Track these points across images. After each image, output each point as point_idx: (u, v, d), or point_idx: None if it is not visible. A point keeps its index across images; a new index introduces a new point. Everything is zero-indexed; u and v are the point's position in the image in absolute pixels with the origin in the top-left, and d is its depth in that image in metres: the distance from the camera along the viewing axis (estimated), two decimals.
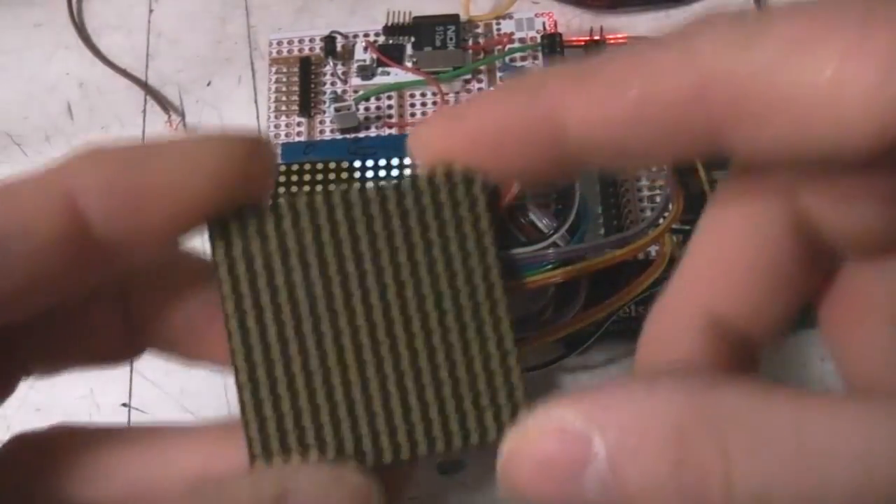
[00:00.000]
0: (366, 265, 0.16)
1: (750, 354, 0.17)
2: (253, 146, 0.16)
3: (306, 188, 0.35)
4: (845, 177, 0.15)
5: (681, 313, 0.17)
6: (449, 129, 0.16)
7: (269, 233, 0.16)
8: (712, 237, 0.17)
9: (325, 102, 0.38)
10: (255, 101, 0.40)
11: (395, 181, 0.17)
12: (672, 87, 0.14)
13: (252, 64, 0.41)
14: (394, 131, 0.37)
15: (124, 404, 0.34)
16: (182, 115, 0.40)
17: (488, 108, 0.16)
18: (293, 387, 0.16)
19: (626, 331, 0.32)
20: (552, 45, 0.38)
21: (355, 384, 0.16)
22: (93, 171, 0.15)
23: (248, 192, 0.16)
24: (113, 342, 0.19)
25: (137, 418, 0.34)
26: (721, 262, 0.17)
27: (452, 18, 0.39)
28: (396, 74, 0.38)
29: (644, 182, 0.34)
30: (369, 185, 0.17)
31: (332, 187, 0.17)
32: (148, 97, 0.40)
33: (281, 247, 0.16)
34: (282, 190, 0.34)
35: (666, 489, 0.13)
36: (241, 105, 0.40)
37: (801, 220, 0.16)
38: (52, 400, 0.31)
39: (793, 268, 0.17)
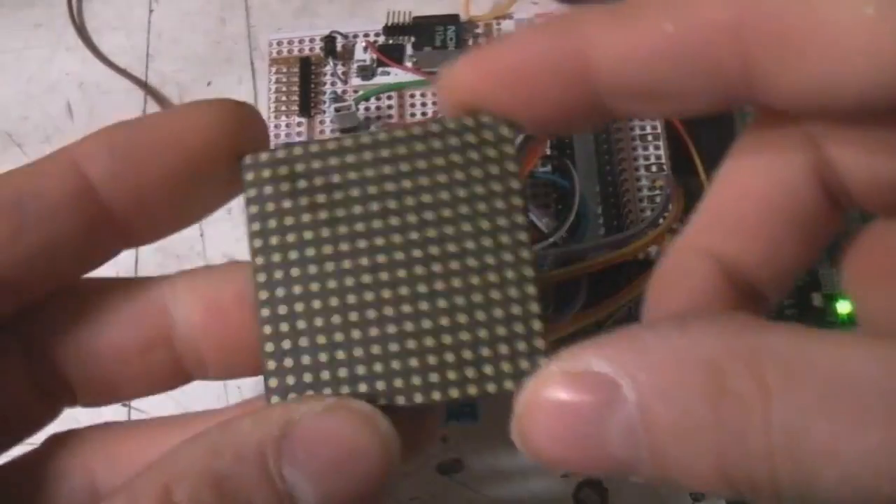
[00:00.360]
0: (390, 205, 0.16)
1: (758, 305, 0.17)
2: (236, 106, 0.17)
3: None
4: (875, 128, 0.15)
5: (693, 256, 0.17)
6: (477, 67, 0.16)
7: (298, 171, 0.17)
8: (732, 181, 0.17)
9: (325, 102, 0.38)
10: (255, 102, 0.40)
11: (422, 125, 0.16)
12: (710, 20, 0.14)
13: (252, 64, 0.41)
14: None
15: (124, 404, 0.34)
16: None
17: (517, 45, 0.15)
18: (311, 323, 0.16)
19: None
20: None
21: (373, 324, 0.16)
22: (95, 141, 0.17)
23: (242, 144, 0.17)
24: (161, 373, 0.19)
25: (137, 418, 0.34)
26: (738, 206, 0.17)
27: (452, 19, 0.39)
28: (396, 74, 0.38)
29: (644, 182, 0.34)
30: (397, 128, 0.17)
31: (360, 133, 0.17)
32: (148, 97, 0.40)
33: (309, 187, 0.17)
34: None
35: (701, 426, 0.13)
36: None
37: (824, 170, 0.16)
38: None
39: (810, 217, 0.16)
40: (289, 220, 0.16)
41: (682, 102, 0.15)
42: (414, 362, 0.16)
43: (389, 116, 0.38)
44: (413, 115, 0.38)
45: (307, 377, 0.16)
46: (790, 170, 0.16)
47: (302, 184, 0.17)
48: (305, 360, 0.16)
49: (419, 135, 0.16)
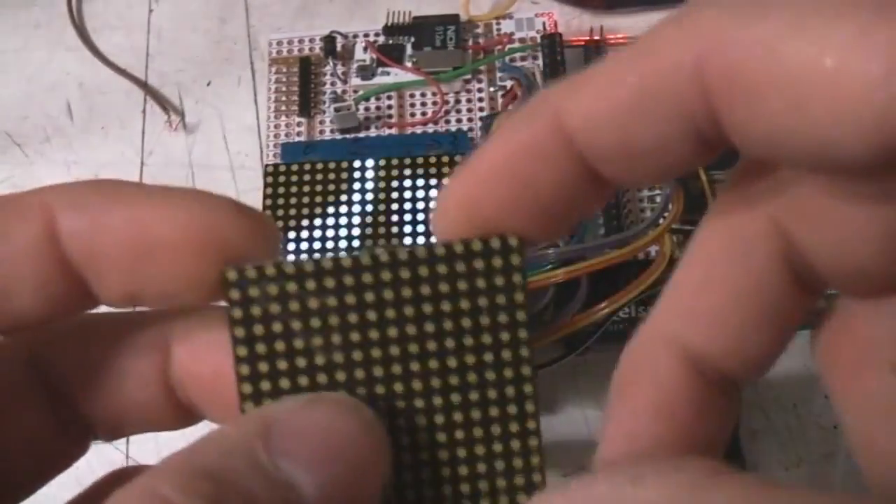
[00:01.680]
0: (390, 333, 0.15)
1: (729, 391, 0.16)
2: (232, 215, 0.16)
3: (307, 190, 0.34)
4: (839, 204, 0.14)
5: (657, 345, 0.16)
6: (467, 180, 0.15)
7: (290, 291, 0.15)
8: (695, 266, 0.16)
9: (325, 102, 0.38)
10: (255, 101, 0.40)
11: (427, 248, 0.15)
12: (671, 63, 0.13)
13: (252, 64, 0.41)
14: (394, 131, 0.37)
15: None
16: (182, 115, 0.40)
17: (498, 144, 0.15)
18: None
19: (626, 331, 0.32)
20: (552, 45, 0.38)
21: None
22: (74, 195, 0.16)
23: (231, 257, 0.15)
24: (163, 413, 0.18)
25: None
26: (701, 293, 0.16)
27: (452, 18, 0.39)
28: (396, 74, 0.38)
29: None
30: (398, 248, 0.16)
31: (356, 252, 0.16)
32: (148, 97, 0.40)
33: (302, 309, 0.15)
34: (282, 191, 0.34)
35: None
36: (241, 105, 0.40)
37: (793, 256, 0.15)
38: None
39: (779, 305, 0.16)
40: (280, 346, 0.15)
41: (665, 154, 0.14)
42: (410, 495, 0.16)
43: (389, 116, 0.38)
44: (413, 115, 0.38)
45: None
46: (756, 257, 0.15)
47: (294, 306, 0.15)
48: None
49: (424, 258, 0.15)
